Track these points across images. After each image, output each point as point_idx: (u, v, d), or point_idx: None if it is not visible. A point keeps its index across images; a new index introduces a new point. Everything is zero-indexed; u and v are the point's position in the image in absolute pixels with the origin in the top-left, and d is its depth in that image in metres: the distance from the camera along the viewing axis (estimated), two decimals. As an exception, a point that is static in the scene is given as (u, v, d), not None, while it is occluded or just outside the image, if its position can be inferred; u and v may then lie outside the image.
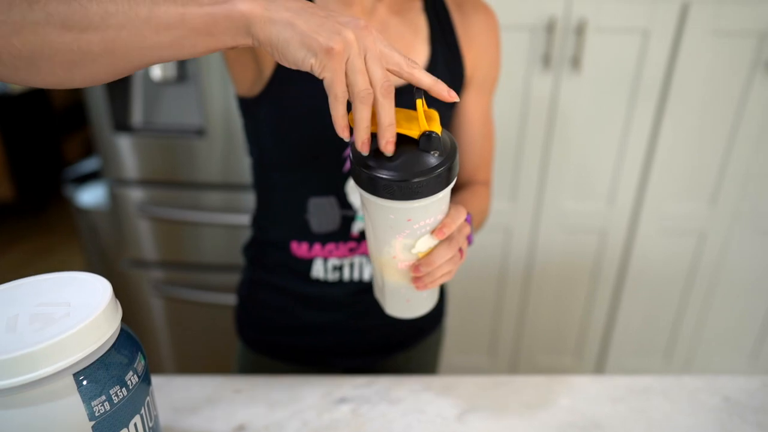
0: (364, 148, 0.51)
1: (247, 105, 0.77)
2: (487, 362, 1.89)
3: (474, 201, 0.81)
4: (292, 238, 0.80)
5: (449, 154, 0.54)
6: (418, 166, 0.53)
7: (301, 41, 0.47)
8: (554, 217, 1.66)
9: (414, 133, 0.53)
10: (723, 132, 1.55)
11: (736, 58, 1.46)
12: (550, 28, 1.43)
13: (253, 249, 0.89)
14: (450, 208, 0.60)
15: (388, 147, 0.51)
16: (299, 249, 0.81)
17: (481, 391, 0.78)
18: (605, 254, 1.71)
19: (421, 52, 0.76)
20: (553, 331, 1.84)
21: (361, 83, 0.48)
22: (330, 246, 0.79)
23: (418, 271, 0.60)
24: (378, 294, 0.69)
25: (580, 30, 1.42)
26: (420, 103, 0.52)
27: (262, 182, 0.83)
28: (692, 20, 1.41)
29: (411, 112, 0.55)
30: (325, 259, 0.80)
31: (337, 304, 0.84)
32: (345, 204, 0.77)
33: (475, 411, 0.75)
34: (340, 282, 0.82)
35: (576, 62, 1.45)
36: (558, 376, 0.82)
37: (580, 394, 0.78)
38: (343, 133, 0.51)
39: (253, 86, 0.75)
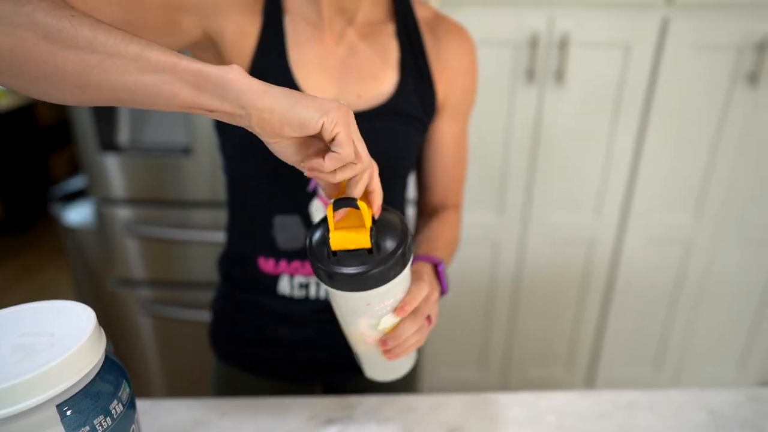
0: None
1: (220, 121, 0.78)
2: (477, 375, 1.89)
3: (444, 232, 0.82)
4: (260, 254, 0.81)
5: (401, 238, 0.55)
6: (371, 257, 0.53)
7: (311, 105, 0.49)
8: (542, 229, 1.67)
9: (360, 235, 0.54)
10: (706, 143, 1.57)
11: (716, 71, 1.49)
12: (533, 43, 1.45)
13: (226, 264, 0.90)
14: (411, 284, 0.61)
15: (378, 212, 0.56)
16: (266, 265, 0.81)
17: (468, 409, 0.79)
18: (593, 265, 1.73)
19: (390, 77, 0.76)
20: (543, 343, 1.85)
21: (364, 150, 0.52)
22: (296, 263, 0.80)
23: (385, 345, 0.61)
24: (356, 358, 0.70)
25: (563, 45, 1.44)
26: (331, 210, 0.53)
27: (232, 198, 0.84)
28: (673, 34, 1.44)
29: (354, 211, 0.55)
30: (291, 276, 0.81)
31: (305, 321, 0.84)
32: (309, 223, 0.77)
33: (462, 430, 0.75)
34: (307, 299, 0.82)
35: (560, 76, 1.47)
36: (545, 392, 0.82)
37: (567, 410, 0.79)
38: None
39: None
